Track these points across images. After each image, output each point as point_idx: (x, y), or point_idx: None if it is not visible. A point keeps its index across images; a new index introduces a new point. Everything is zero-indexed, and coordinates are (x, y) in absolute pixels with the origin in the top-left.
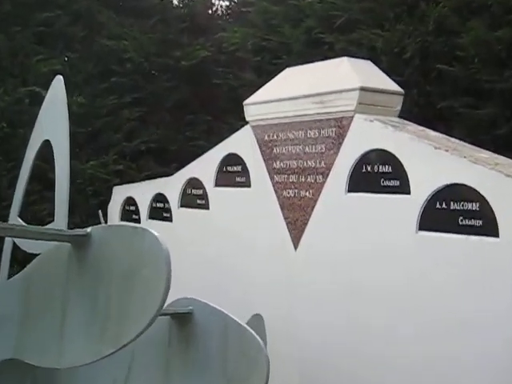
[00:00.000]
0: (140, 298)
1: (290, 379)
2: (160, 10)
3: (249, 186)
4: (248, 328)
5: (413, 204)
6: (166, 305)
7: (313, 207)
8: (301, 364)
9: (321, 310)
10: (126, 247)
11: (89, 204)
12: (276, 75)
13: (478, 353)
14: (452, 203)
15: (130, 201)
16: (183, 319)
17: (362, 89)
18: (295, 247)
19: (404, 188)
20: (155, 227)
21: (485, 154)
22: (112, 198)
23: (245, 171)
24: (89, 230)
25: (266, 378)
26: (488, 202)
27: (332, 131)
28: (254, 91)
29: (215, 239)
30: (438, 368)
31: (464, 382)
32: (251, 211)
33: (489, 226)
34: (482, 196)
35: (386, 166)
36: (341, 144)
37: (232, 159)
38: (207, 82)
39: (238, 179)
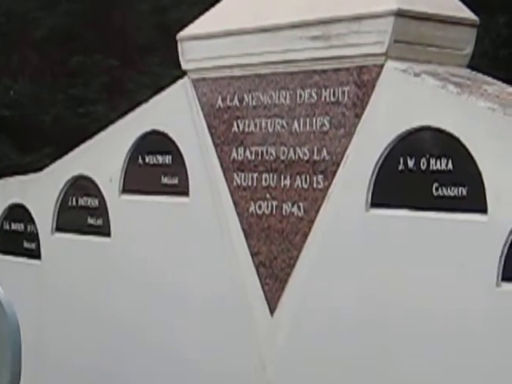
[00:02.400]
0: None
1: None
2: None
3: (185, 193)
4: None
5: (491, 232)
6: None
7: (305, 235)
8: None
9: None
10: None
11: None
12: None
13: None
14: None
15: None
16: None
17: (401, 13)
18: (271, 310)
19: (475, 202)
20: (5, 271)
21: None
22: None
23: (178, 166)
24: None
25: None
26: None
27: (344, 92)
28: (199, 15)
29: (122, 292)
30: None
31: None
32: (189, 241)
33: None
34: None
35: (444, 161)
36: (359, 117)
37: (155, 142)
38: None
39: (165, 180)
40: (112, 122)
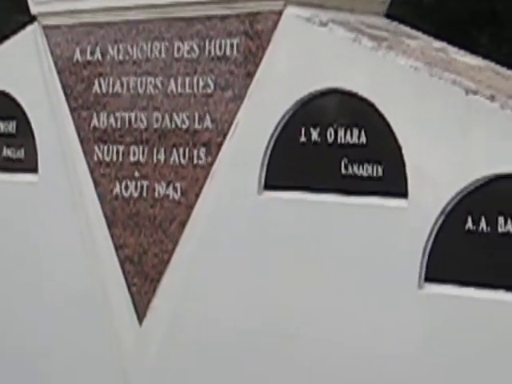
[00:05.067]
0: None
1: None
2: None
3: (33, 169)
4: None
5: (413, 220)
6: None
7: (183, 223)
8: None
9: None
10: None
11: None
12: None
13: None
14: (503, 221)
15: None
16: None
17: None
18: (139, 317)
19: (393, 183)
20: None
21: None
22: None
23: (24, 135)
24: None
25: None
26: None
27: (233, 45)
28: None
29: None
30: None
31: None
32: (38, 229)
33: None
34: None
35: (355, 132)
36: (252, 76)
37: None
38: None
39: (8, 153)
40: None
